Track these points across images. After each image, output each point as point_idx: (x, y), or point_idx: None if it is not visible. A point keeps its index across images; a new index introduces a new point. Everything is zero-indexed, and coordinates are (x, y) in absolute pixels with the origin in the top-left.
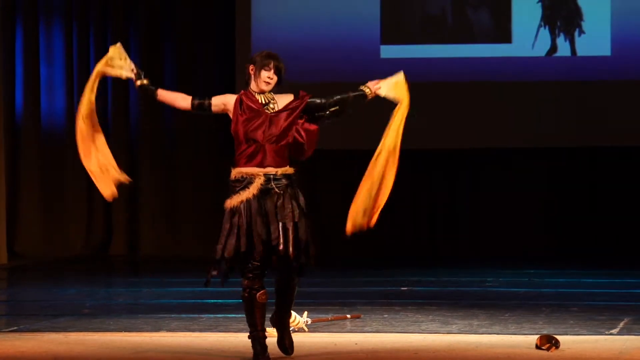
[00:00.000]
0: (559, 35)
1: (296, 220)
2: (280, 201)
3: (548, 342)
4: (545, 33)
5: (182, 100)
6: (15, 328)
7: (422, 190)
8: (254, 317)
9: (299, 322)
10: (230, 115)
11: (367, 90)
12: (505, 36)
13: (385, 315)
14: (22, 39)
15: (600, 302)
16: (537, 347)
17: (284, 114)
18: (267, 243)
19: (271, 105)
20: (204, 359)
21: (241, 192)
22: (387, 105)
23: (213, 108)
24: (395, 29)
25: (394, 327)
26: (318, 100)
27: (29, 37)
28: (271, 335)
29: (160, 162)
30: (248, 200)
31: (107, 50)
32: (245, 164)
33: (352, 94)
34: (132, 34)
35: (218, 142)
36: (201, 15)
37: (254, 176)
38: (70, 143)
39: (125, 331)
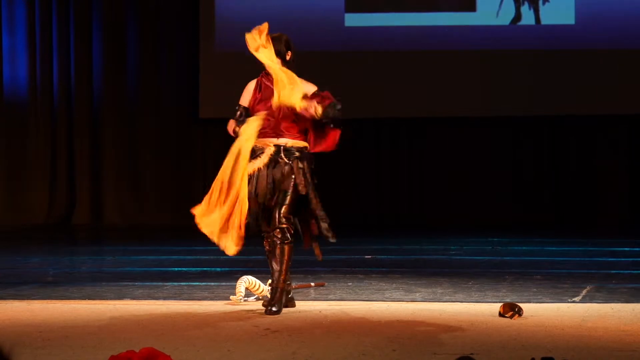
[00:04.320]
0: (523, 3)
1: (303, 192)
2: (287, 171)
3: (511, 309)
4: (509, 2)
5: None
6: None
7: (385, 159)
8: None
9: (262, 290)
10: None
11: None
12: (469, 4)
13: (349, 284)
14: None
15: (563, 270)
16: (501, 314)
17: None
18: (267, 207)
19: None
20: (168, 326)
21: (254, 161)
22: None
23: (250, 109)
24: None
25: (358, 295)
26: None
27: None
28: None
29: (123, 130)
30: (259, 169)
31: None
32: (260, 137)
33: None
34: (95, 4)
35: (182, 111)
36: None
37: (265, 147)
38: (33, 112)
39: (88, 299)
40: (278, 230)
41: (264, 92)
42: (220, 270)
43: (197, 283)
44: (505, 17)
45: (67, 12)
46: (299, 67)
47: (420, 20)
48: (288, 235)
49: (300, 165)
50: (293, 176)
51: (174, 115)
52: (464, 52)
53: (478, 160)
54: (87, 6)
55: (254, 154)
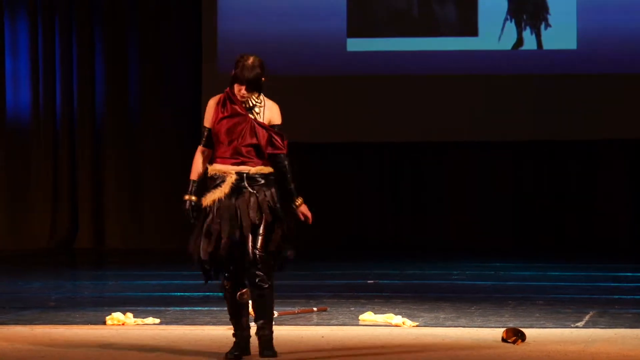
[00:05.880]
0: (525, 28)
1: (269, 221)
2: (253, 201)
3: (514, 335)
4: (511, 26)
5: (201, 156)
6: None
7: (388, 183)
8: (234, 316)
9: None
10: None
11: (297, 202)
12: (471, 29)
13: (352, 308)
14: None
15: (566, 296)
16: (503, 340)
17: (264, 130)
18: (237, 243)
19: (256, 110)
20: (170, 351)
21: (214, 191)
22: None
23: (212, 129)
24: (361, 22)
25: (360, 320)
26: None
27: None
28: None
29: (125, 155)
30: (220, 200)
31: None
32: (221, 162)
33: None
34: (97, 27)
35: (183, 135)
36: (166, 8)
37: (226, 174)
38: (36, 136)
39: (91, 324)
40: (257, 280)
41: (229, 111)
42: (223, 295)
43: (200, 308)
44: (507, 42)
45: (69, 37)
46: (302, 92)
47: (422, 45)
48: (267, 280)
49: (267, 196)
50: (263, 214)
51: (176, 138)
52: (465, 77)
53: (479, 185)
54: (90, 30)
55: (213, 182)
